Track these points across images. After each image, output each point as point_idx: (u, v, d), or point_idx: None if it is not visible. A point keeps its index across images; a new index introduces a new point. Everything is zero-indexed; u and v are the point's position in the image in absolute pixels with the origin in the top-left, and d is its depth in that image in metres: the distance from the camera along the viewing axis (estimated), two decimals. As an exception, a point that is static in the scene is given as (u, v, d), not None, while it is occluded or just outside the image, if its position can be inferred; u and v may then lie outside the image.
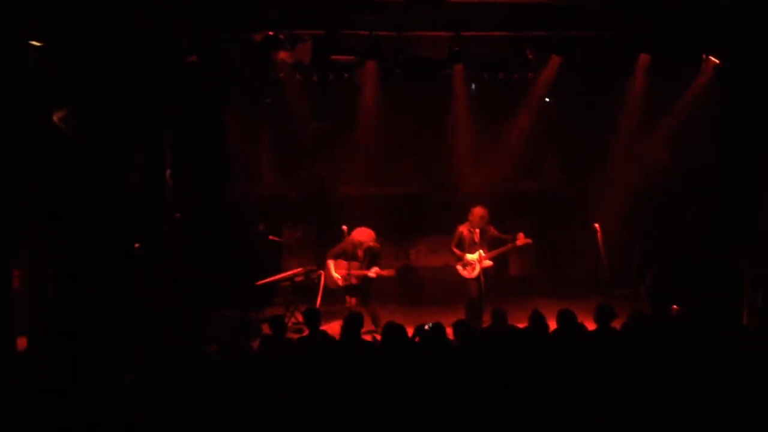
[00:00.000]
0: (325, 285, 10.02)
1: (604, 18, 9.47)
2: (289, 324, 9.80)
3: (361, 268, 9.78)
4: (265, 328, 7.67)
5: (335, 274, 9.87)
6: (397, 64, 10.73)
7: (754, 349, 6.41)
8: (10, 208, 7.39)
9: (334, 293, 10.03)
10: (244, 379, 6.23)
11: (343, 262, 9.84)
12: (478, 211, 9.81)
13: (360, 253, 9.82)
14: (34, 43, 7.84)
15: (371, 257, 9.83)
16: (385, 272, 9.97)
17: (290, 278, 10.21)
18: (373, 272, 9.77)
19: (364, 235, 9.80)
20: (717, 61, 10.19)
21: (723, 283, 9.85)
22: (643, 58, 10.54)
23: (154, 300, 9.09)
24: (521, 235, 9.76)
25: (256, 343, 7.45)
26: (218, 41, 9.93)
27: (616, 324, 7.15)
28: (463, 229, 9.88)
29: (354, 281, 9.82)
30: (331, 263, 9.94)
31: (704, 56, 10.30)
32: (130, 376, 6.85)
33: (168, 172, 9.94)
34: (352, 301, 9.90)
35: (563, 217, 12.13)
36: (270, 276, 10.20)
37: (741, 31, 9.26)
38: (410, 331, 6.97)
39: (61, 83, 8.15)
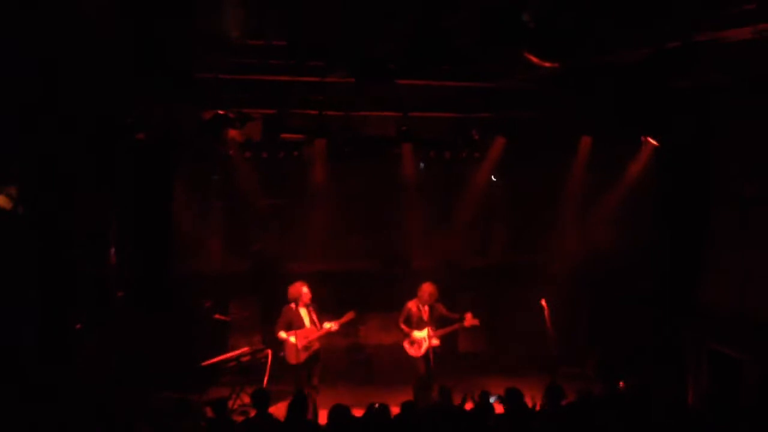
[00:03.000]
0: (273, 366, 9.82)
1: (546, 101, 9.79)
2: (234, 406, 9.57)
3: (313, 331, 9.57)
4: (209, 411, 7.51)
5: (297, 342, 9.41)
6: (346, 142, 10.88)
7: (698, 426, 6.48)
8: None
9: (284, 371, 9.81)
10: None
11: (297, 333, 9.49)
12: (427, 288, 9.83)
13: (302, 314, 9.62)
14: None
15: (317, 313, 9.71)
16: (345, 318, 9.66)
17: (236, 358, 9.99)
18: (335, 324, 9.55)
19: (297, 289, 9.63)
20: (655, 143, 10.55)
21: (668, 358, 9.99)
22: (585, 139, 10.88)
23: (95, 381, 8.82)
24: (469, 315, 9.77)
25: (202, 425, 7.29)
26: (168, 119, 9.94)
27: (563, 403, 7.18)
28: (412, 305, 9.87)
29: (317, 345, 9.61)
30: (285, 335, 9.52)
31: (642, 137, 10.66)
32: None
33: (112, 249, 9.79)
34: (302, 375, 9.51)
35: (511, 293, 12.23)
36: (215, 356, 9.98)
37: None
38: (358, 412, 6.88)
39: (4, 160, 8.07)
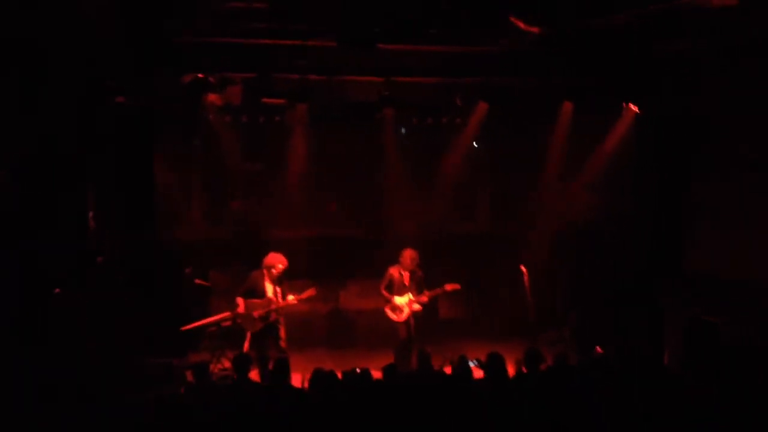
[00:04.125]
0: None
1: (530, 67, 9.74)
2: (215, 370, 9.59)
3: (278, 301, 9.40)
4: (189, 375, 7.53)
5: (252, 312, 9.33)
6: (328, 107, 10.80)
7: (674, 392, 6.57)
8: None
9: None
10: (168, 428, 6.07)
11: (256, 302, 9.41)
12: (409, 254, 9.84)
13: (266, 285, 9.44)
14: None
15: (283, 286, 9.51)
16: (305, 294, 9.53)
17: (217, 323, 9.96)
18: (294, 298, 9.42)
19: (274, 261, 9.43)
20: (636, 110, 10.55)
21: (645, 323, 10.11)
22: (567, 105, 10.86)
23: (74, 347, 8.78)
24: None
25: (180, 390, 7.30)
26: (147, 82, 9.82)
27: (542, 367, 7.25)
28: (394, 271, 9.89)
29: (276, 316, 9.41)
30: (241, 302, 9.42)
31: (624, 104, 10.66)
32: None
33: (91, 214, 9.70)
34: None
35: (492, 260, 12.27)
36: (196, 321, 9.96)
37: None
38: (340, 375, 6.92)
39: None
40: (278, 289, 9.46)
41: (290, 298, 9.46)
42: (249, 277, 9.55)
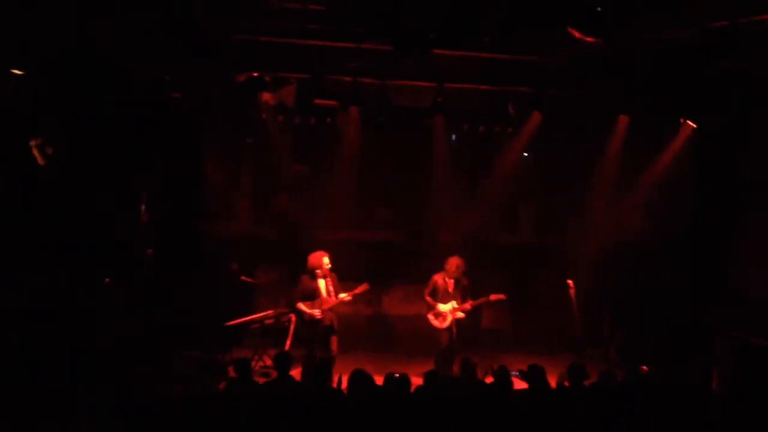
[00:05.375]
0: (296, 330, 9.79)
1: (586, 79, 9.62)
2: (256, 367, 9.65)
3: (328, 301, 9.35)
4: (231, 371, 7.58)
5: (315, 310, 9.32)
6: (379, 111, 10.81)
7: (720, 416, 6.41)
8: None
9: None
10: (208, 422, 6.13)
11: (312, 303, 9.36)
12: (454, 261, 9.78)
13: (320, 285, 9.40)
14: (15, 71, 7.83)
15: (335, 283, 9.47)
16: (359, 290, 9.44)
17: (260, 320, 10.04)
18: (348, 295, 9.37)
19: (318, 260, 9.40)
20: (694, 125, 10.34)
21: (694, 346, 9.88)
22: (623, 119, 10.69)
23: (121, 336, 8.93)
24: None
25: (221, 385, 7.36)
26: (202, 79, 9.94)
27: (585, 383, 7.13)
28: (438, 278, 9.85)
29: (332, 316, 9.41)
30: (304, 306, 9.43)
31: (682, 120, 10.46)
32: (89, 414, 6.72)
33: (143, 207, 9.86)
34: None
35: (537, 272, 12.12)
36: (240, 317, 10.05)
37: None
38: (378, 379, 6.90)
39: (39, 112, 8.14)
40: (331, 288, 9.43)
41: (342, 295, 9.42)
42: (300, 281, 9.52)
